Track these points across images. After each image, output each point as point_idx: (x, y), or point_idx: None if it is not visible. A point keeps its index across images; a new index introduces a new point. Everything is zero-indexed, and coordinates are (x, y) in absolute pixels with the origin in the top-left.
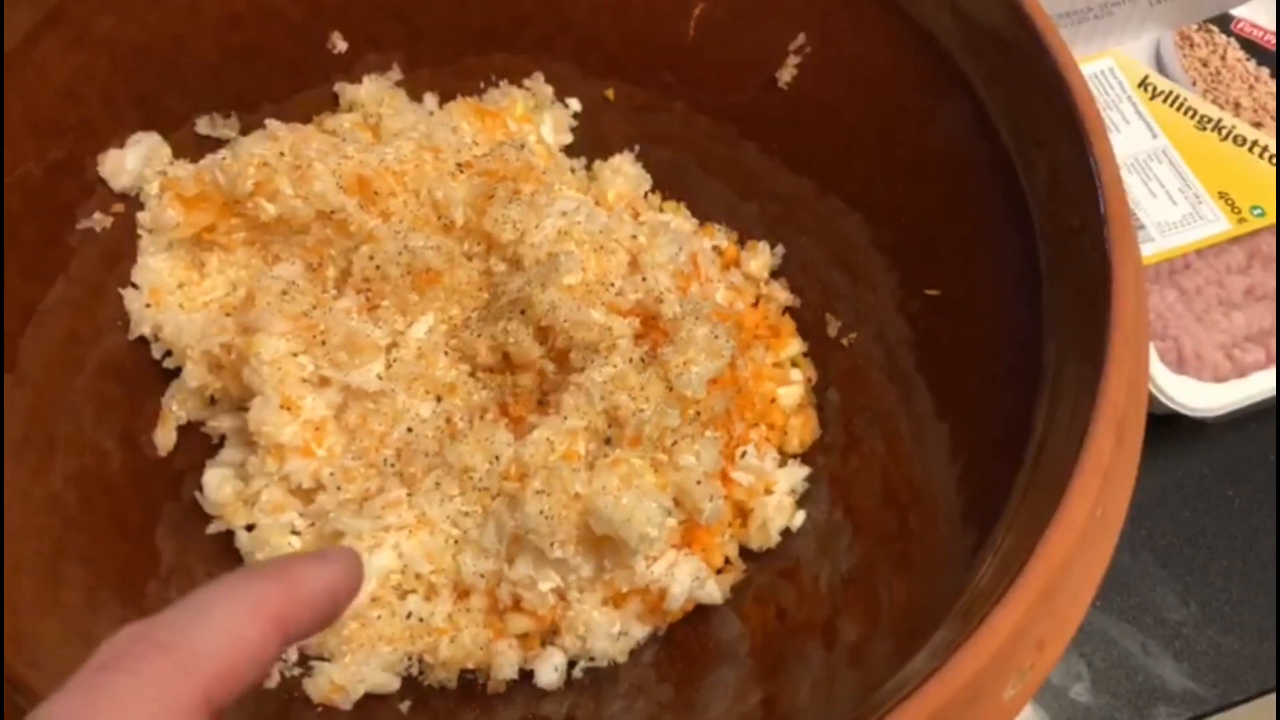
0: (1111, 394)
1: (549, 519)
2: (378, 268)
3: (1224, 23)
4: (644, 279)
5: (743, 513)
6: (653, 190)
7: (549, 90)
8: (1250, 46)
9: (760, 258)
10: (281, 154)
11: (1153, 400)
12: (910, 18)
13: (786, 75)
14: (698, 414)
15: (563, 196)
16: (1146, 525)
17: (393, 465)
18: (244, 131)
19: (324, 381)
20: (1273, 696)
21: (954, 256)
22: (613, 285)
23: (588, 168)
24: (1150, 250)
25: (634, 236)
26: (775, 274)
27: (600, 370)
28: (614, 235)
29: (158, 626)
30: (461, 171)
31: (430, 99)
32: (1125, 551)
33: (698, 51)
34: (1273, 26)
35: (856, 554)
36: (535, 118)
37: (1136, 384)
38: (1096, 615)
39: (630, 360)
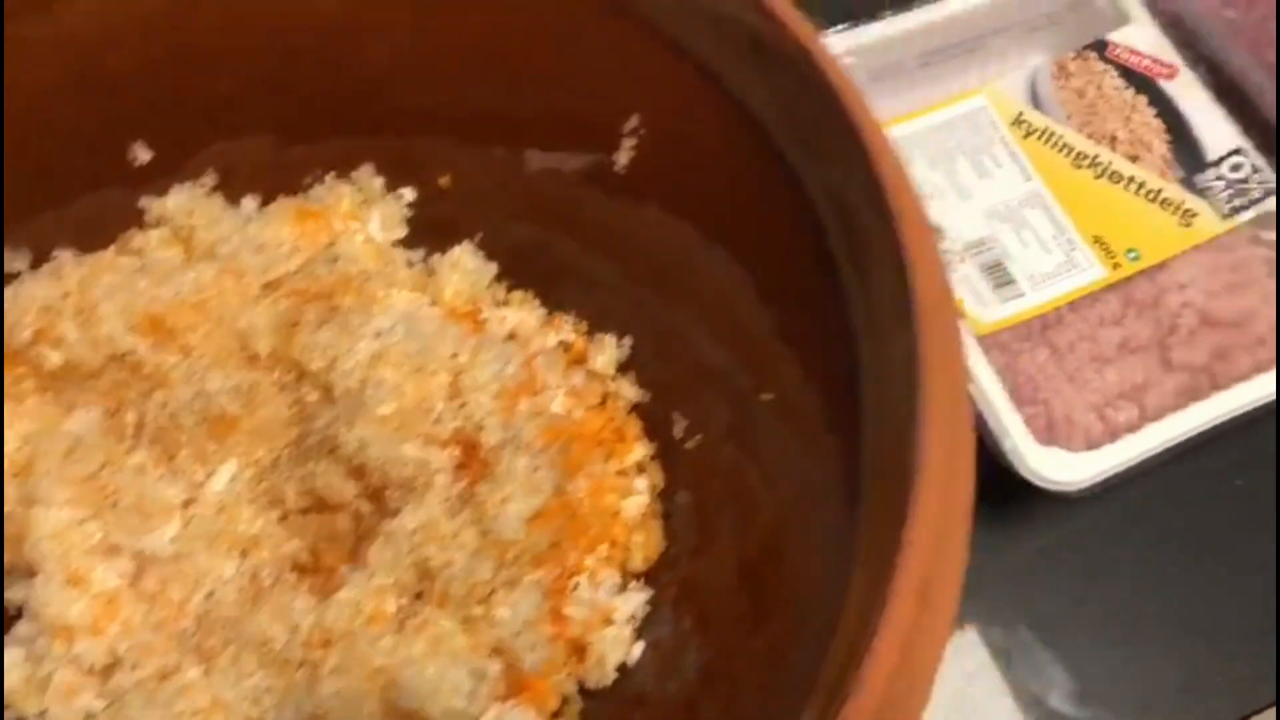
0: (913, 552)
1: (345, 701)
2: (171, 416)
3: (1100, 49)
4: (464, 405)
5: (579, 648)
6: (499, 278)
7: (378, 182)
8: (1128, 74)
9: (607, 352)
10: (66, 294)
11: (1016, 474)
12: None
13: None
14: (517, 557)
15: (380, 314)
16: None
17: (193, 636)
18: (36, 262)
19: (114, 549)
20: None
21: (782, 358)
22: (431, 412)
23: (425, 259)
24: (1020, 307)
25: (454, 355)
26: (624, 367)
27: (411, 515)
28: (435, 354)
29: None
30: (268, 295)
31: (250, 202)
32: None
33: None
34: (1151, 51)
35: (710, 652)
36: (362, 214)
37: (948, 532)
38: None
39: (447, 499)
